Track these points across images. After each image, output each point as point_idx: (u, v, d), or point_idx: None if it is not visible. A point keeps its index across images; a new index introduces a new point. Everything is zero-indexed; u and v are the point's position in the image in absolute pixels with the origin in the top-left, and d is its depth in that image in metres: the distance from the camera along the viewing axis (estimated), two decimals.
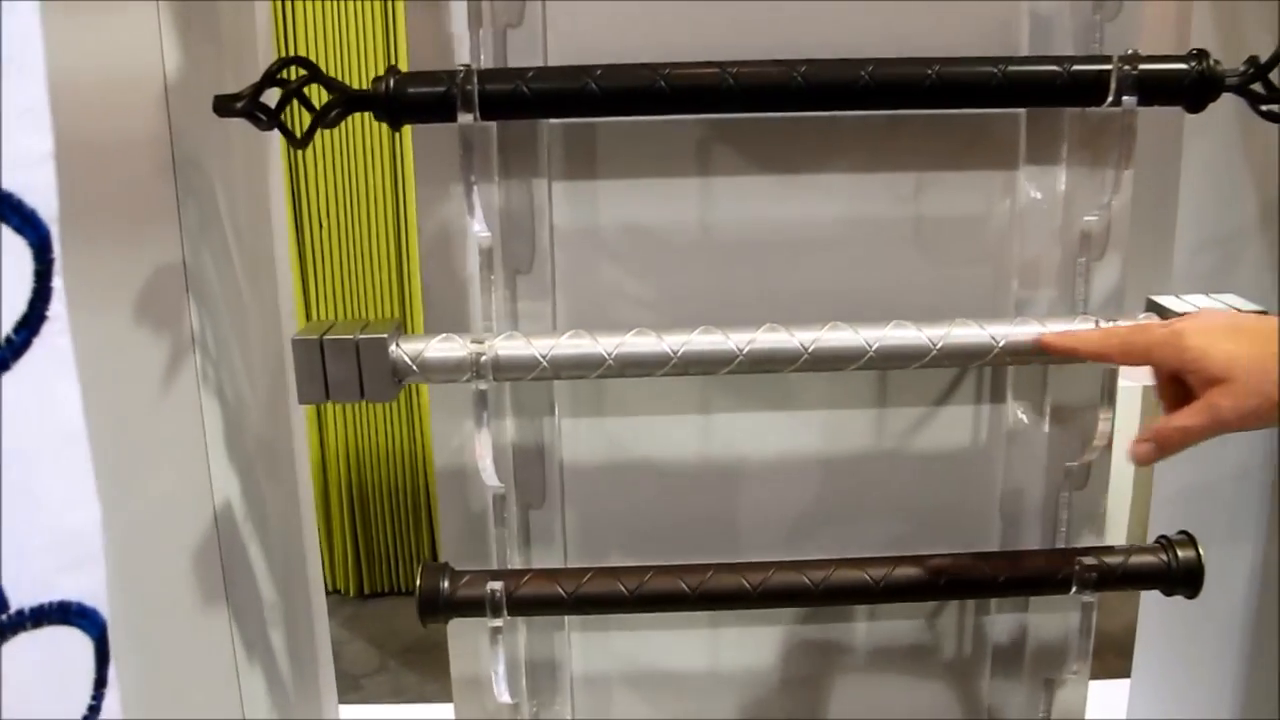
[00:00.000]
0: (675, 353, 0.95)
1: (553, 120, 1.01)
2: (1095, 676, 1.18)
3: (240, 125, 0.94)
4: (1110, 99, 0.95)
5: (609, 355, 0.95)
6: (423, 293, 1.05)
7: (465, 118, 0.92)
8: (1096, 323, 0.97)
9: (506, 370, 0.95)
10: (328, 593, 3.05)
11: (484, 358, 0.94)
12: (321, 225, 2.78)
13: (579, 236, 1.04)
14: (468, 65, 0.92)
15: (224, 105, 0.92)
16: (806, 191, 1.05)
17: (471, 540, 1.09)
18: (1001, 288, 1.07)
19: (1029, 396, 1.09)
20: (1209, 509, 1.24)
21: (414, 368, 0.95)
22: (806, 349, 0.95)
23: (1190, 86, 0.95)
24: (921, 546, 1.11)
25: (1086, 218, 1.03)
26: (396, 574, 3.04)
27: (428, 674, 2.77)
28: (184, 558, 1.11)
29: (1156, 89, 0.95)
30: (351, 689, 2.73)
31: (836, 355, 0.96)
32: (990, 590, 1.05)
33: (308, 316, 2.78)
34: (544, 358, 0.95)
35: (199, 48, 1.07)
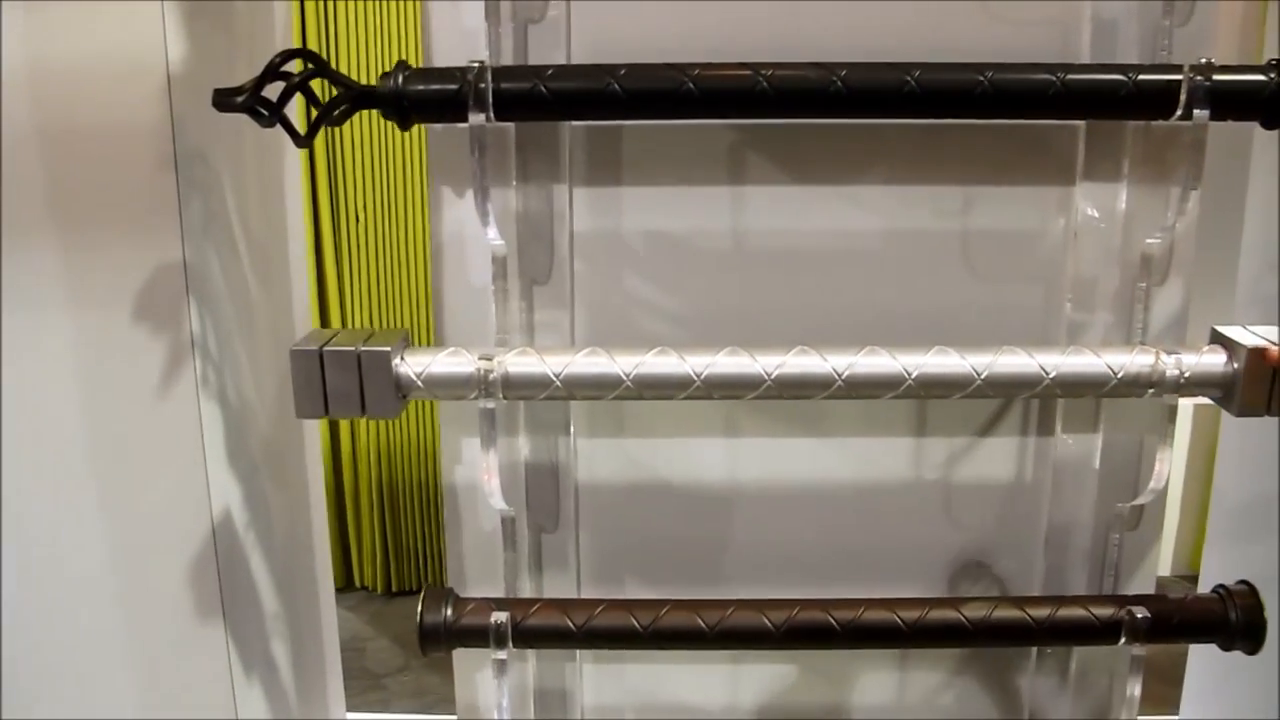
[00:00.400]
0: (698, 375, 0.88)
1: (574, 122, 0.95)
2: (1141, 711, 1.10)
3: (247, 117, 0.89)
4: (1180, 112, 0.88)
5: (627, 376, 0.89)
6: (434, 302, 0.99)
7: (477, 118, 0.86)
8: (1157, 354, 0.90)
9: (517, 388, 0.89)
10: (355, 589, 3.04)
11: (492, 375, 0.88)
12: (359, 220, 2.74)
13: (600, 245, 0.98)
14: (481, 62, 0.86)
15: (224, 100, 0.87)
16: (844, 203, 0.97)
17: (480, 563, 1.04)
18: (1053, 312, 0.99)
19: (1080, 429, 1.01)
20: (1265, 537, 1.16)
21: (419, 383, 0.89)
22: (840, 375, 0.89)
23: (1269, 99, 0.87)
24: (959, 586, 1.04)
25: (1148, 239, 0.95)
26: (425, 572, 3.00)
27: (451, 677, 2.73)
28: (180, 567, 1.06)
29: (1231, 102, 0.87)
30: (373, 689, 2.69)
31: (872, 382, 0.89)
32: (1031, 638, 0.97)
33: (343, 313, 2.75)
34: (557, 376, 0.89)
35: (208, 39, 1.02)
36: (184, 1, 0.98)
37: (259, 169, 1.15)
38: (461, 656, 1.08)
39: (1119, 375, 0.89)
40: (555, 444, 1.01)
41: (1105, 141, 0.96)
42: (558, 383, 0.89)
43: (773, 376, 0.89)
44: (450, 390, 0.89)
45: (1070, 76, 0.87)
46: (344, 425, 2.77)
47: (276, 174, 1.20)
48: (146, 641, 1.06)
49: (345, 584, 2.98)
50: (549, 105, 0.87)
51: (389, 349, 0.88)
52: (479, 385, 0.88)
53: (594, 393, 0.90)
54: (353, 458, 2.81)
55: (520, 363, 0.89)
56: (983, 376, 0.88)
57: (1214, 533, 1.27)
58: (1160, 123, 0.92)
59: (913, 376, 0.88)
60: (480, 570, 1.03)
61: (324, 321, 2.71)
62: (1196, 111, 0.87)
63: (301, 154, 2.64)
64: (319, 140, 2.62)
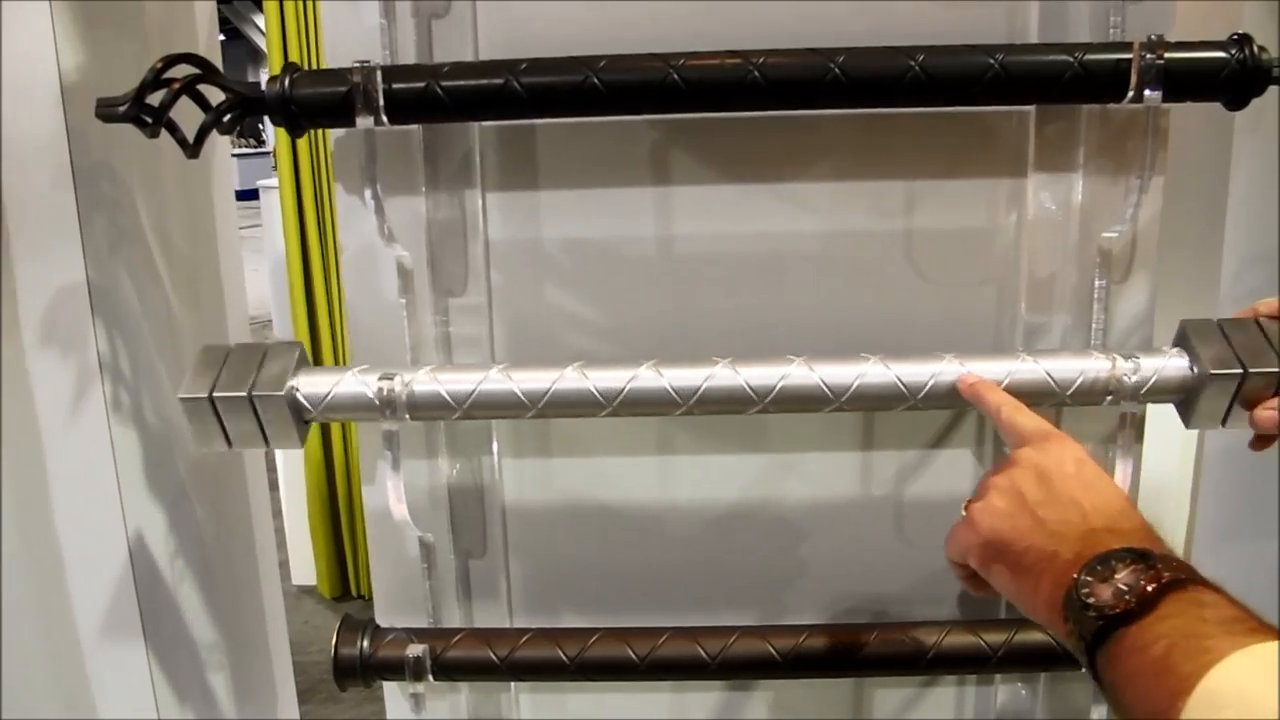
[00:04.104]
0: (608, 393, 0.82)
1: (486, 122, 0.89)
2: None
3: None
4: (1130, 94, 0.80)
5: (538, 395, 0.82)
6: (348, 318, 0.94)
7: (365, 121, 0.80)
8: (1114, 357, 0.83)
9: (422, 409, 0.84)
10: (352, 598, 3.00)
11: (394, 395, 0.82)
12: None
13: (518, 254, 0.92)
14: (365, 61, 0.80)
15: (106, 110, 0.81)
16: (780, 203, 0.91)
17: (406, 591, 0.98)
18: (1007, 314, 0.92)
19: None
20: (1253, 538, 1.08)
21: (316, 407, 0.84)
22: (752, 390, 0.82)
23: (1229, 79, 0.80)
24: (914, 610, 0.97)
25: (1106, 234, 0.88)
26: None
27: None
28: (99, 600, 1.02)
29: (1187, 82, 0.80)
30: (370, 700, 2.65)
31: (791, 397, 0.82)
32: (986, 665, 0.90)
33: (331, 323, 2.70)
34: (465, 396, 0.83)
35: (111, 45, 0.98)
36: (79, 2, 0.94)
37: (181, 180, 1.10)
38: (392, 684, 1.02)
39: (1070, 382, 0.82)
40: (479, 465, 0.96)
41: (1058, 129, 0.88)
42: (453, 401, 0.83)
43: (694, 391, 0.82)
44: (351, 413, 0.84)
45: (1010, 59, 0.80)
46: (335, 435, 2.73)
47: (203, 185, 1.15)
48: (64, 677, 1.01)
49: (342, 593, 2.95)
50: (445, 106, 0.81)
51: (281, 393, 0.82)
52: (381, 406, 0.83)
53: (504, 413, 0.84)
54: (346, 467, 2.77)
55: (424, 382, 0.83)
56: (899, 388, 0.81)
57: (1201, 534, 1.19)
58: (1117, 107, 0.85)
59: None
60: (407, 598, 0.98)
61: (312, 332, 2.67)
62: (1149, 93, 0.80)
63: (285, 164, 2.60)
64: (303, 148, 2.58)
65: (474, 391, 0.83)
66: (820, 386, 0.81)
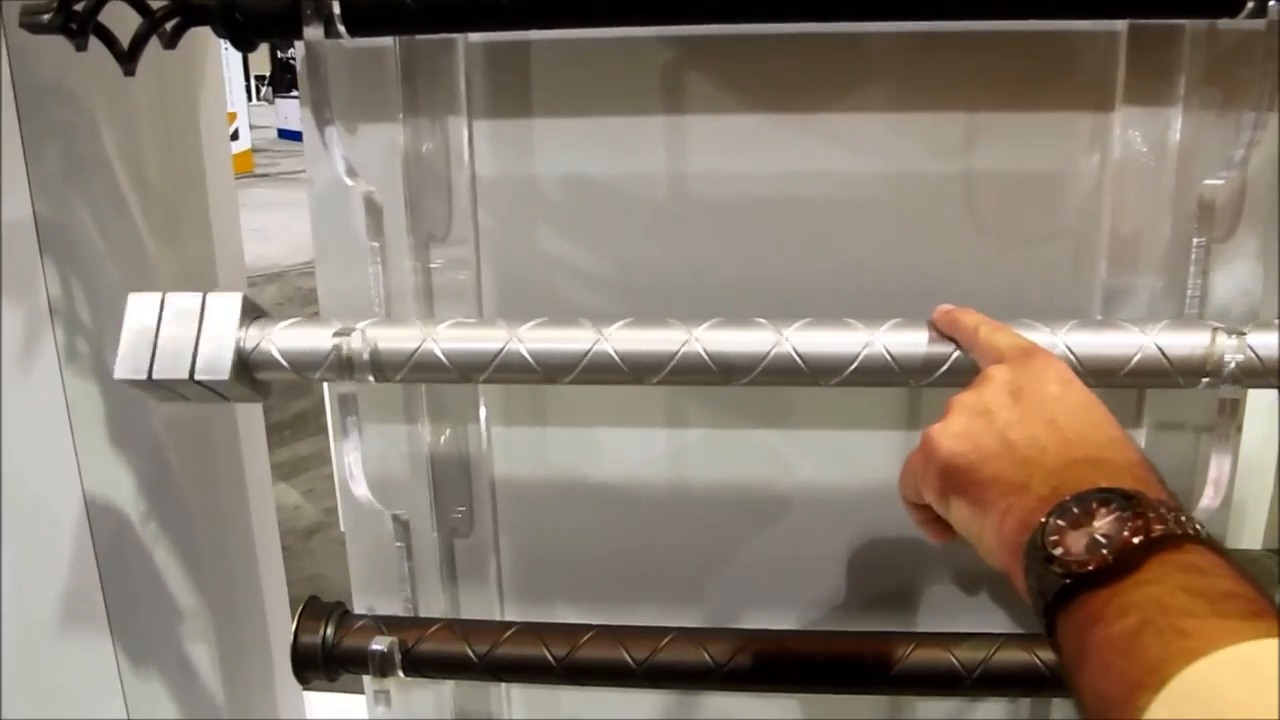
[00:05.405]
0: (607, 352, 0.70)
1: (473, 36, 0.76)
2: None
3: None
4: (1251, 5, 0.65)
5: (518, 355, 0.71)
6: (316, 263, 0.83)
7: (315, 33, 0.68)
8: (1214, 332, 0.68)
9: (386, 369, 0.72)
10: None
11: (353, 351, 0.71)
12: None
13: (509, 192, 0.80)
14: None
15: (31, 20, 0.70)
16: (814, 137, 0.77)
17: (384, 573, 0.87)
18: (1084, 275, 0.78)
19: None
20: None
21: (264, 361, 0.73)
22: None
23: None
24: (959, 615, 0.84)
25: (1209, 180, 0.73)
26: None
27: None
28: (51, 569, 0.93)
29: None
30: None
31: (824, 365, 0.69)
32: (1039, 687, 0.77)
33: None
34: (433, 354, 0.71)
35: None
36: None
37: (158, 106, 0.99)
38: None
39: (1159, 360, 0.68)
40: (464, 433, 0.84)
41: (1154, 52, 0.73)
42: (426, 361, 0.71)
43: (718, 357, 0.69)
44: (304, 370, 0.73)
45: None
46: None
47: (187, 112, 1.04)
48: (17, 648, 0.94)
49: None
50: (412, 16, 0.68)
51: (232, 321, 0.72)
52: (338, 366, 0.72)
53: (486, 376, 0.72)
54: None
55: (389, 337, 0.72)
56: (951, 360, 0.67)
57: None
58: (1229, 24, 0.69)
59: (861, 357, 0.68)
60: (384, 581, 0.87)
61: None
62: (1273, 4, 0.64)
63: None
64: None
65: (451, 351, 0.71)
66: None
